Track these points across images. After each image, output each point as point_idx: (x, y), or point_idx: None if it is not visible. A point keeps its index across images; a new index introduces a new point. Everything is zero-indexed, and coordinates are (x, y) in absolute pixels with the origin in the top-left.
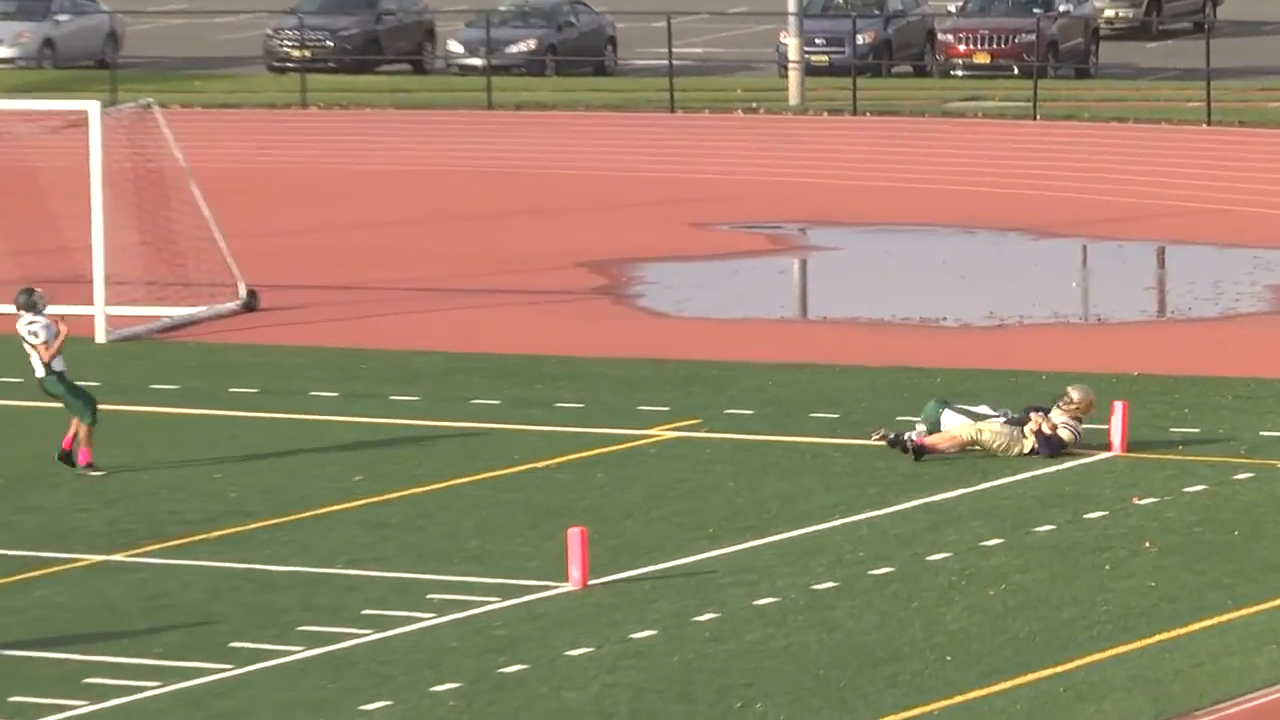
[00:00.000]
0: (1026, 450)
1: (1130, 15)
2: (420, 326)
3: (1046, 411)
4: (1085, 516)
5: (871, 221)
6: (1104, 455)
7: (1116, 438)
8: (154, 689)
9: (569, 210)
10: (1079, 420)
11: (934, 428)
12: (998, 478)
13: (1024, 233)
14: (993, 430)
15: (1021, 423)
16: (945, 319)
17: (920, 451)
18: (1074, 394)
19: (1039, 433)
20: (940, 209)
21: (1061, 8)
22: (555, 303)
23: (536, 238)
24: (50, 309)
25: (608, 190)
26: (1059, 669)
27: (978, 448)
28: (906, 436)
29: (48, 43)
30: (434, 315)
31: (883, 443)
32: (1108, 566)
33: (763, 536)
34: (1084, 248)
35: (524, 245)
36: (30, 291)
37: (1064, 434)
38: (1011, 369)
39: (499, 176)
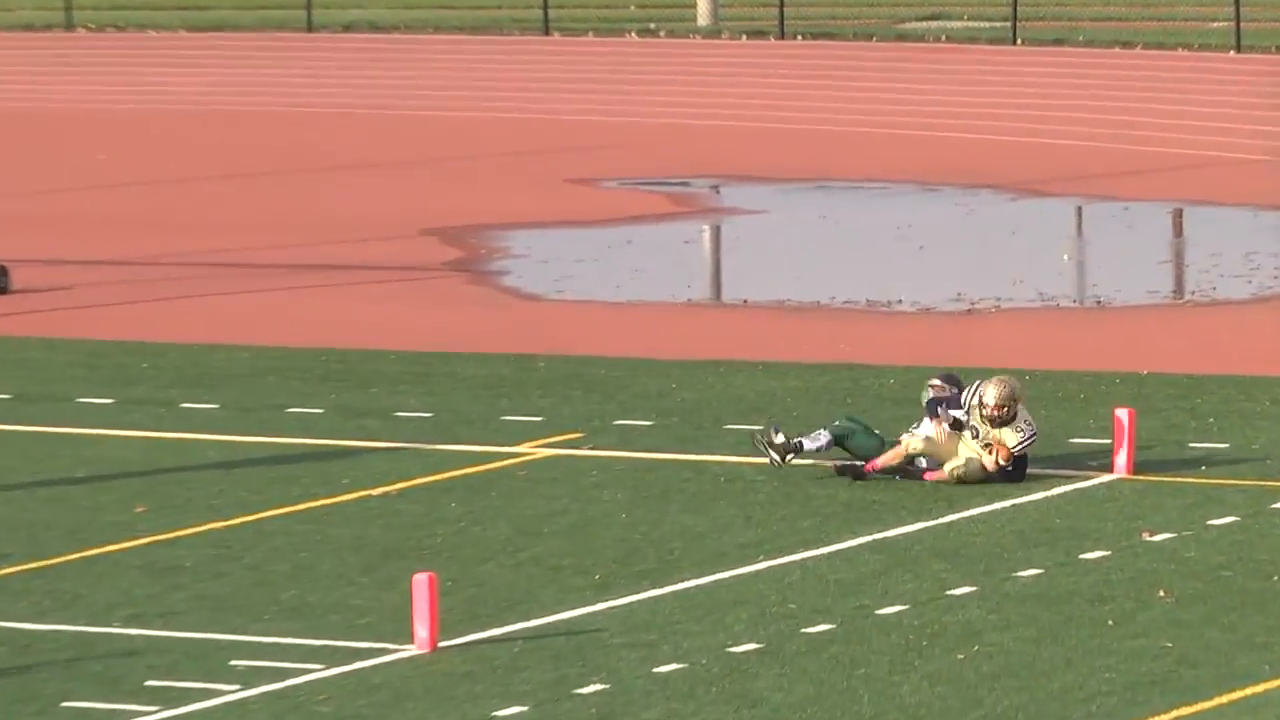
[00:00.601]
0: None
1: None
2: (220, 313)
3: (951, 405)
4: (1081, 557)
5: (804, 177)
6: (1105, 478)
7: (1121, 456)
8: None
9: (412, 163)
10: (1015, 415)
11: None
12: (967, 507)
13: (1000, 190)
14: (973, 452)
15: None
16: (900, 302)
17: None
18: (991, 397)
19: (1001, 469)
20: (893, 160)
21: None
22: (395, 281)
23: (370, 198)
24: None
25: (462, 136)
26: None
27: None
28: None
29: None
30: (238, 299)
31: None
32: (1110, 622)
33: (664, 584)
34: (1078, 209)
35: (354, 207)
36: None
37: (1018, 449)
38: (985, 366)
39: (321, 118)
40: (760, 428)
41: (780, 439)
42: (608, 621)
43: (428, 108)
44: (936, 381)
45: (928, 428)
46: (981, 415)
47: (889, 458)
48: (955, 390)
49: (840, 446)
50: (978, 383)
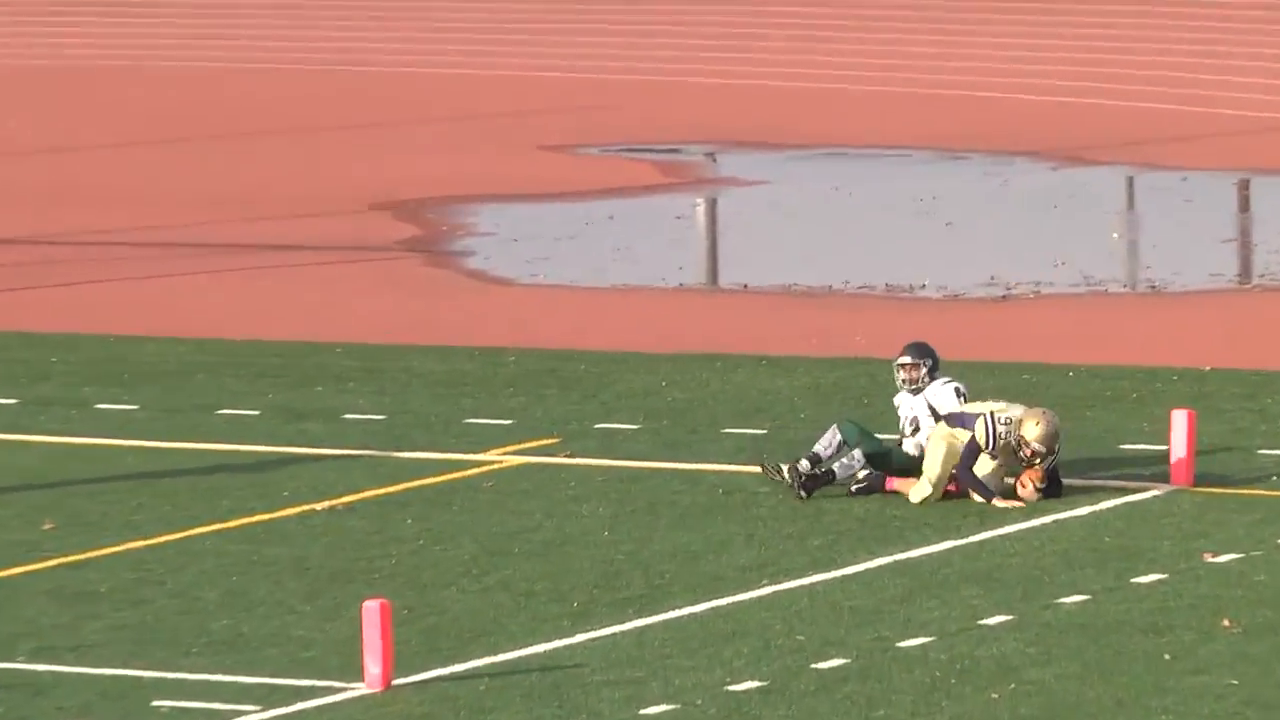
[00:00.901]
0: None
1: None
2: (142, 301)
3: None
4: (1133, 581)
5: (812, 142)
6: (1160, 490)
7: (1179, 464)
8: None
9: (361, 126)
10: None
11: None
12: (1001, 524)
13: (1039, 158)
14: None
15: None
16: (924, 287)
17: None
18: (1034, 435)
19: (1039, 489)
20: (915, 123)
21: None
22: (341, 263)
23: (312, 166)
24: None
25: (418, 95)
26: None
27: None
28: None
29: None
30: (161, 283)
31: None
32: (1167, 656)
33: (653, 612)
34: (1129, 180)
35: (293, 178)
36: None
37: (1049, 464)
38: (1022, 361)
39: (254, 75)
40: (767, 456)
41: (805, 465)
42: (587, 656)
43: (378, 63)
44: (907, 360)
45: (922, 436)
46: (1017, 453)
47: (902, 487)
48: (930, 363)
49: (872, 466)
50: (989, 408)
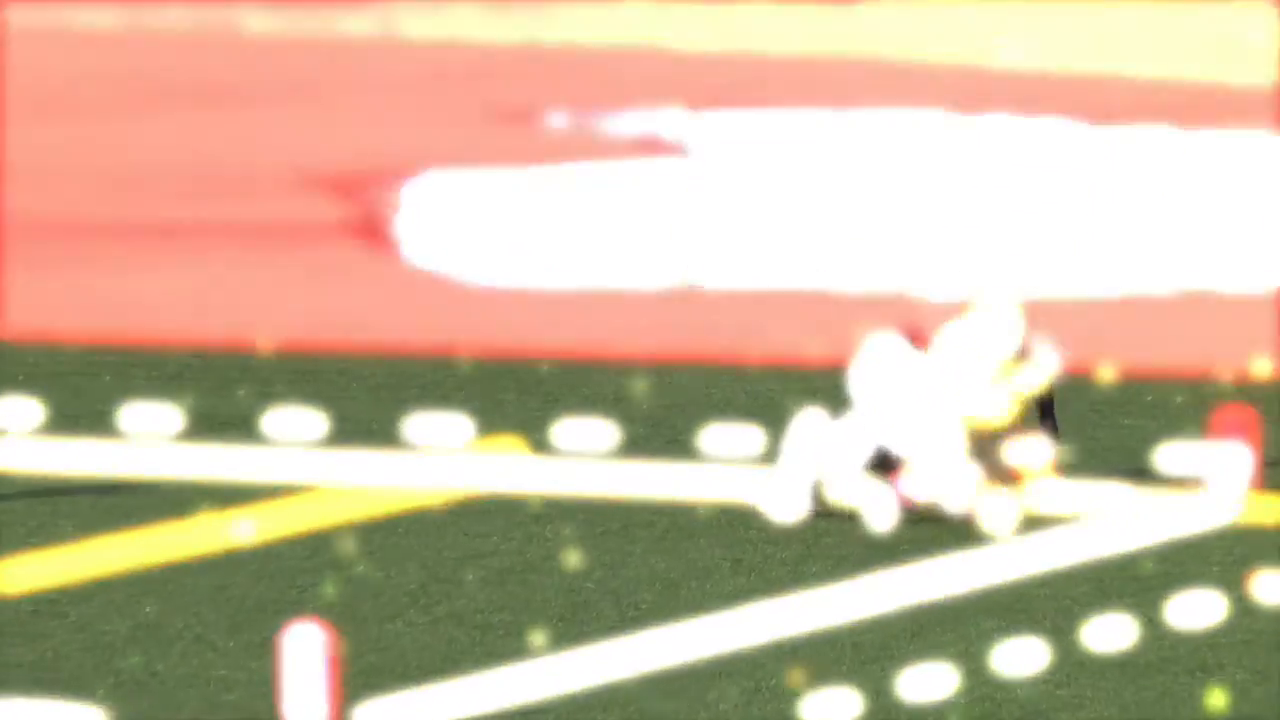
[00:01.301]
0: None
1: None
2: (36, 294)
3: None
4: (1178, 614)
5: (804, 107)
6: (1211, 509)
7: (1233, 481)
8: None
9: (285, 92)
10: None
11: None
12: (1026, 550)
13: (1067, 125)
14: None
15: None
16: (934, 277)
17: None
18: (1012, 338)
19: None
20: (921, 86)
21: None
22: (267, 250)
23: (232, 137)
24: None
25: (353, 55)
26: None
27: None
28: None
29: None
30: (58, 274)
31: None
32: (1218, 699)
33: (626, 648)
34: (1172, 147)
35: (210, 151)
36: None
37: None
38: None
39: (165, 36)
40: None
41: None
42: (551, 697)
43: (303, 18)
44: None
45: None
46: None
47: (915, 491)
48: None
49: (878, 469)
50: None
